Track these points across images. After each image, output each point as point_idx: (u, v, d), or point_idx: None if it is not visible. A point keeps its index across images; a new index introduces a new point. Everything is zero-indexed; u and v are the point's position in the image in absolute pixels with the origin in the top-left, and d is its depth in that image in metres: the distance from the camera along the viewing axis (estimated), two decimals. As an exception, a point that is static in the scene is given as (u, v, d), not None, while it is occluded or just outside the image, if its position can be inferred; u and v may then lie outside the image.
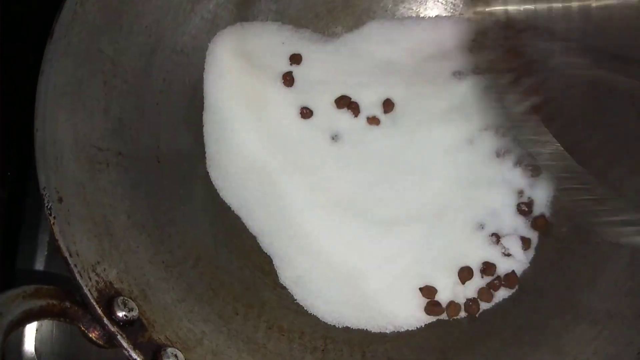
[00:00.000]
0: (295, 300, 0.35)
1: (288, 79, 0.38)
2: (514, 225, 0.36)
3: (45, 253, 0.37)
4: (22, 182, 0.37)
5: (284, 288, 0.35)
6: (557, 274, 0.35)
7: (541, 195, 0.36)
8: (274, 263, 0.36)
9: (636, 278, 0.32)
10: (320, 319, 0.35)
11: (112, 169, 0.32)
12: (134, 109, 0.34)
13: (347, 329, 0.34)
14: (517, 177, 0.36)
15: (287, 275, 0.35)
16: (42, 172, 0.28)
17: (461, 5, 0.40)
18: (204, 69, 0.38)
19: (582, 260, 0.34)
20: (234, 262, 0.35)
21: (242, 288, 0.34)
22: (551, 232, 0.36)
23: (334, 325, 0.34)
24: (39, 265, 0.37)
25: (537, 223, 0.36)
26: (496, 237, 0.35)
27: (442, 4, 0.41)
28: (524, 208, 0.36)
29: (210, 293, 0.33)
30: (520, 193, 0.36)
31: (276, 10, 0.40)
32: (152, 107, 0.35)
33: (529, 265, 0.35)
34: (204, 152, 0.38)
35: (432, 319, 0.34)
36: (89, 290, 0.26)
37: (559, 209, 0.36)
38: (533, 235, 0.36)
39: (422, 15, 0.41)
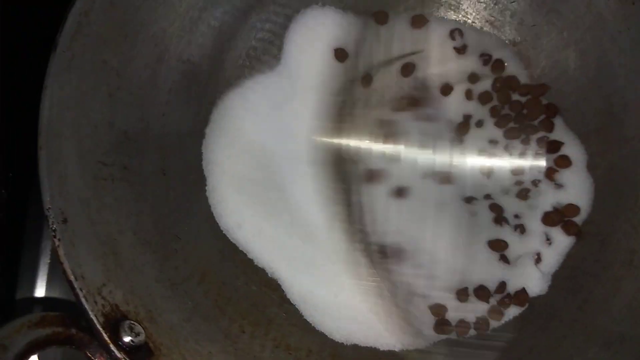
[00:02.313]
0: (303, 316, 0.34)
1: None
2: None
3: (46, 277, 0.36)
4: (21, 202, 0.37)
5: (291, 304, 0.35)
6: (569, 293, 0.34)
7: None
8: (279, 280, 0.35)
9: (650, 301, 0.31)
10: (328, 336, 0.34)
11: (117, 184, 0.31)
12: (139, 121, 0.33)
13: (355, 347, 0.34)
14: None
15: (294, 291, 0.35)
16: (46, 192, 0.27)
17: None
18: (210, 78, 0.37)
19: (595, 280, 0.34)
20: (240, 278, 0.35)
21: (248, 305, 0.34)
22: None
23: (342, 343, 0.34)
24: (40, 291, 0.36)
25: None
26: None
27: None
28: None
29: (216, 311, 0.32)
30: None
31: (285, 15, 0.39)
32: (157, 119, 0.34)
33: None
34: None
35: (441, 337, 0.34)
36: (95, 315, 0.26)
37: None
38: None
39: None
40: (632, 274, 0.33)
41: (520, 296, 0.34)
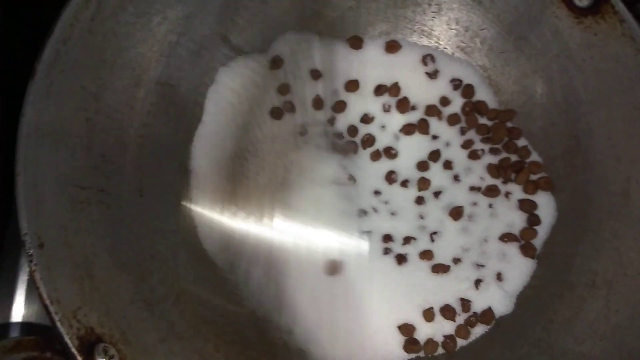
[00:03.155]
0: (280, 336, 0.35)
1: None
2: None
3: (24, 300, 0.37)
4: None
5: (265, 322, 0.36)
6: (534, 313, 0.35)
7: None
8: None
9: (610, 322, 0.33)
10: (305, 352, 0.35)
11: (93, 207, 0.32)
12: (117, 144, 0.34)
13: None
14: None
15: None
16: (23, 218, 0.27)
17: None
18: (188, 98, 0.38)
19: (559, 300, 0.35)
20: (215, 297, 0.35)
21: (223, 324, 0.34)
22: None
23: (317, 360, 0.35)
24: (17, 314, 0.36)
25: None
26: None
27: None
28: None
29: (191, 331, 0.33)
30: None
31: (263, 39, 0.40)
32: (135, 141, 0.35)
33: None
34: (188, 183, 0.38)
35: (410, 356, 0.35)
36: (70, 338, 0.26)
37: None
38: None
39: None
40: (594, 295, 0.34)
41: (487, 315, 0.35)
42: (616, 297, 0.33)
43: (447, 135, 0.39)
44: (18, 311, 0.37)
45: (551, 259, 0.37)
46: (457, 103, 0.39)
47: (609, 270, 0.34)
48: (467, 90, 0.39)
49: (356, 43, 0.39)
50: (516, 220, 0.37)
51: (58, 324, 0.26)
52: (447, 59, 0.40)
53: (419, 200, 0.38)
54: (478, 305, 0.36)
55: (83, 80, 0.32)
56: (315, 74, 0.39)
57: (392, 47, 0.39)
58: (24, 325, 0.36)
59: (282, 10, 0.39)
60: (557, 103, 0.38)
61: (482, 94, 0.39)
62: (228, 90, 0.38)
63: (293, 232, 0.35)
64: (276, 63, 0.39)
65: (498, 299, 0.35)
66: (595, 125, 0.37)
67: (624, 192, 0.35)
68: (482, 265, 0.36)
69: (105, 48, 0.33)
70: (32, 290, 0.37)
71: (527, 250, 0.36)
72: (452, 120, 0.39)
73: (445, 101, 0.39)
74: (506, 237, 0.37)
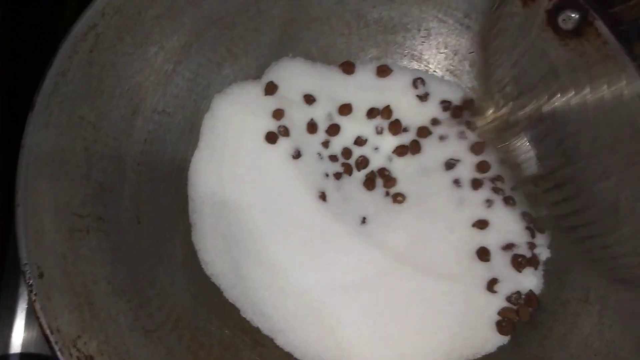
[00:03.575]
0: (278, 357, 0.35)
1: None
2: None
3: (23, 331, 0.37)
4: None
5: (264, 346, 0.36)
6: (530, 329, 0.36)
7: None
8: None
9: (604, 337, 0.33)
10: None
11: (92, 235, 0.32)
12: (115, 172, 0.35)
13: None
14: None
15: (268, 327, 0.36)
16: (23, 248, 0.28)
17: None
18: (184, 126, 0.39)
19: (554, 317, 0.36)
20: (213, 322, 0.36)
21: (221, 349, 0.35)
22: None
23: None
24: (16, 345, 0.37)
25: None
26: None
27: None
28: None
29: (189, 357, 0.33)
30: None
31: (257, 66, 0.41)
32: (133, 168, 0.36)
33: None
34: (185, 208, 0.38)
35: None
36: (70, 367, 0.27)
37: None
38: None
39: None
40: (588, 310, 0.35)
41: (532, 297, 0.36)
42: (609, 312, 0.34)
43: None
44: (17, 341, 0.37)
45: (545, 276, 0.37)
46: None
47: (601, 286, 0.35)
48: (456, 111, 0.40)
49: (348, 68, 0.40)
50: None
51: (58, 354, 0.27)
52: (436, 81, 0.41)
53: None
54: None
55: (82, 110, 0.32)
56: (309, 99, 0.40)
57: (383, 71, 0.40)
58: (24, 356, 0.36)
59: (276, 38, 0.39)
60: (546, 122, 0.39)
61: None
62: (223, 117, 0.39)
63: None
64: (270, 89, 0.39)
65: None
66: (582, 143, 0.38)
67: (613, 208, 0.36)
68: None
69: (104, 78, 0.33)
70: (31, 319, 0.37)
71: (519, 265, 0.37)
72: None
73: (435, 122, 0.40)
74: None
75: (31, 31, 0.41)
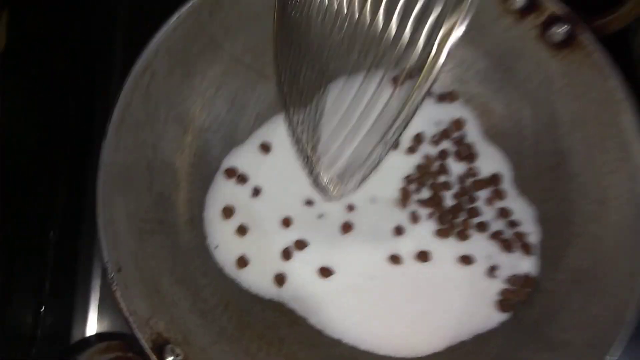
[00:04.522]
0: (309, 336, 0.42)
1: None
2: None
3: (97, 314, 0.44)
4: (71, 247, 0.45)
5: (299, 325, 0.42)
6: (527, 307, 0.41)
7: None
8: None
9: (589, 312, 0.38)
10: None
11: (156, 236, 0.39)
12: (171, 183, 0.42)
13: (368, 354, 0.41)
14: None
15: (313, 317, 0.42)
16: (105, 248, 0.35)
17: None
18: (223, 142, 0.45)
19: (549, 296, 0.41)
20: (256, 306, 0.42)
21: (263, 327, 0.41)
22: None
23: (346, 354, 0.41)
24: (91, 326, 0.44)
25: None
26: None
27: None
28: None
29: (237, 334, 0.40)
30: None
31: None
32: (185, 179, 0.43)
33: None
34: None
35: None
36: (146, 341, 0.34)
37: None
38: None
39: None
40: (578, 290, 0.39)
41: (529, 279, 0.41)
42: (596, 290, 0.39)
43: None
44: (92, 326, 0.44)
45: (543, 260, 0.42)
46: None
47: (590, 268, 0.40)
48: (457, 124, 0.45)
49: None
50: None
51: (136, 331, 0.34)
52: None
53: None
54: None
55: (144, 134, 0.40)
56: None
57: None
58: (99, 335, 0.43)
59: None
60: (542, 124, 0.44)
61: (471, 125, 0.45)
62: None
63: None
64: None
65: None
66: (575, 143, 0.42)
67: (602, 200, 0.40)
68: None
69: (159, 106, 0.40)
70: (103, 308, 0.44)
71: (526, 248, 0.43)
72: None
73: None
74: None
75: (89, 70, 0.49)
